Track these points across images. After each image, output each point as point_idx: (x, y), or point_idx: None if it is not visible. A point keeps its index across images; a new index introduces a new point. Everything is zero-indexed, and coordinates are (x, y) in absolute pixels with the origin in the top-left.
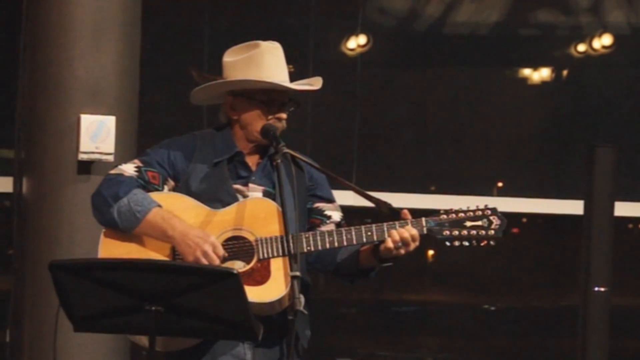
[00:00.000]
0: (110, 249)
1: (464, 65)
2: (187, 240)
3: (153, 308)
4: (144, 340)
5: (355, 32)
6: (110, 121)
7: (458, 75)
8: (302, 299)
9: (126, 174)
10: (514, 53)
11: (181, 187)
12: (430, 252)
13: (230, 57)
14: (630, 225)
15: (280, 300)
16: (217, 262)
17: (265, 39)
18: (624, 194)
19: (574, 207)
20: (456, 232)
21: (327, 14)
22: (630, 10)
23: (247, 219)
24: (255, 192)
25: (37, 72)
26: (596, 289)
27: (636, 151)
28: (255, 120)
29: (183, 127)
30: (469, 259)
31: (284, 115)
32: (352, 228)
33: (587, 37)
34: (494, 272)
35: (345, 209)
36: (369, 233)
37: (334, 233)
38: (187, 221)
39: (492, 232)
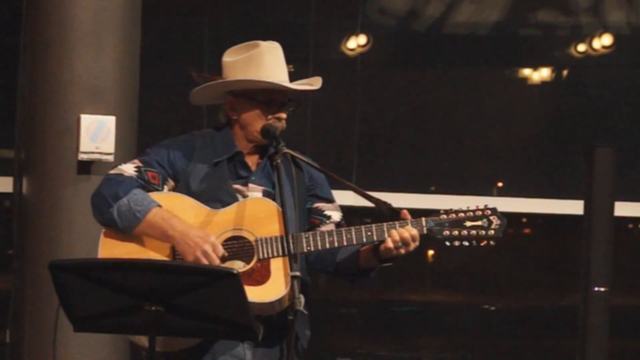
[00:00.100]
0: (110, 249)
1: (464, 65)
2: (187, 240)
3: (153, 308)
4: (143, 340)
5: (355, 32)
6: (110, 121)
7: (458, 75)
8: (302, 299)
9: (126, 174)
10: (514, 53)
11: (181, 187)
12: (430, 252)
13: (230, 57)
14: (630, 225)
15: (280, 300)
16: (217, 262)
17: (265, 39)
18: (624, 194)
19: (574, 207)
20: (456, 232)
21: (327, 14)
22: (630, 10)
23: (247, 219)
24: (255, 192)
25: (37, 72)
26: (596, 289)
27: (636, 151)
28: (255, 120)
29: (183, 127)
30: (469, 259)
31: (283, 115)
32: (352, 228)
33: (587, 37)
34: (494, 272)
35: (345, 209)
36: (369, 233)
37: (334, 233)
38: (187, 221)
39: (492, 232)
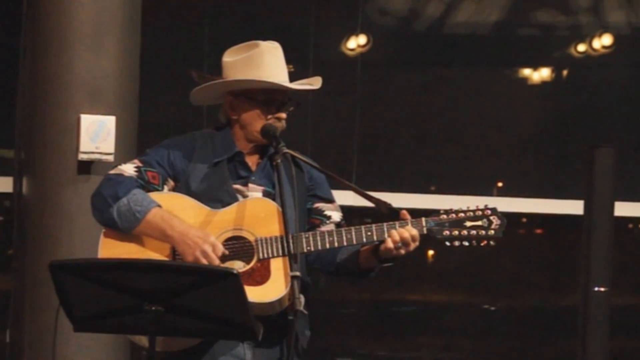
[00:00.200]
0: (110, 249)
1: (464, 65)
2: (186, 240)
3: (153, 308)
4: (144, 340)
5: (355, 32)
6: (110, 121)
7: (458, 75)
8: (302, 299)
9: (126, 174)
10: (514, 53)
11: (181, 187)
12: (430, 252)
13: (229, 57)
14: (630, 225)
15: (280, 300)
16: (216, 262)
17: (265, 39)
18: (624, 194)
19: (574, 207)
20: (456, 232)
21: (327, 14)
22: (630, 10)
23: (247, 219)
24: (255, 192)
25: (37, 72)
26: (596, 289)
27: (636, 151)
28: (255, 120)
29: (183, 127)
30: (468, 259)
31: (283, 115)
32: (352, 228)
33: (587, 37)
34: (494, 272)
35: (345, 209)
36: (369, 233)
37: (334, 233)
38: (186, 221)
39: (492, 232)
